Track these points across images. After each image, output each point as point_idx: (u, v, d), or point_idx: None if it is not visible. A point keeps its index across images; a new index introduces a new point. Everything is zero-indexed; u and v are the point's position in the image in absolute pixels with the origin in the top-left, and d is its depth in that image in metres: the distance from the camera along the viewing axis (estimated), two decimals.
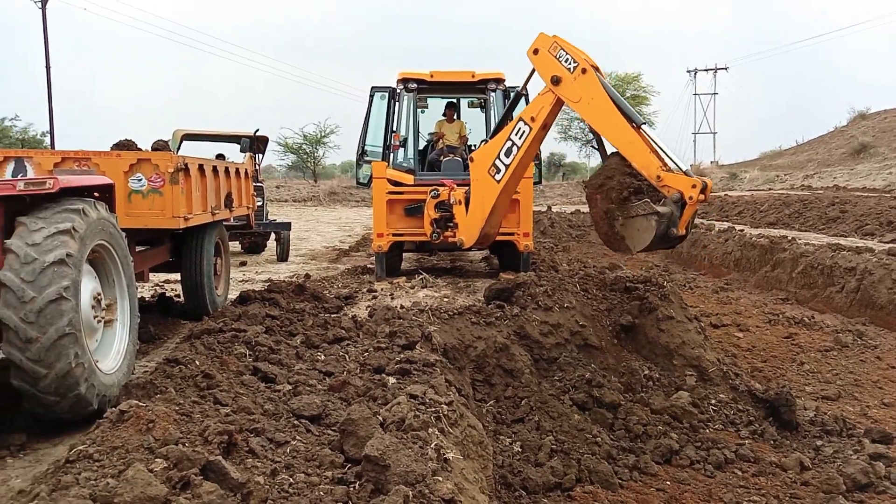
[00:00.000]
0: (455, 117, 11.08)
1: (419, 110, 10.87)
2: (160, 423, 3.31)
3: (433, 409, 4.12)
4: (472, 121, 11.40)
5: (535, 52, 7.47)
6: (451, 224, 8.97)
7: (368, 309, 7.07)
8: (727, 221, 20.15)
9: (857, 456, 5.87)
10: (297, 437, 3.81)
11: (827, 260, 11.78)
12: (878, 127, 41.04)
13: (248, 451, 3.42)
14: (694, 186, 6.15)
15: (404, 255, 10.83)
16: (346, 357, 5.44)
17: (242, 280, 10.91)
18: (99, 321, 4.86)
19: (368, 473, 3.22)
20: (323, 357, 5.44)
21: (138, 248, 6.82)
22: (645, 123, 6.71)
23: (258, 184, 13.33)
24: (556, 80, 7.20)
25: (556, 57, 7.21)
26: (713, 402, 6.59)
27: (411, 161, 10.54)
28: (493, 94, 10.13)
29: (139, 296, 5.90)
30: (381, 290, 8.45)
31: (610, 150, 7.08)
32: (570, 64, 7.09)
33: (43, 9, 33.50)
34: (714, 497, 5.36)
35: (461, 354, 6.39)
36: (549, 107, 7.44)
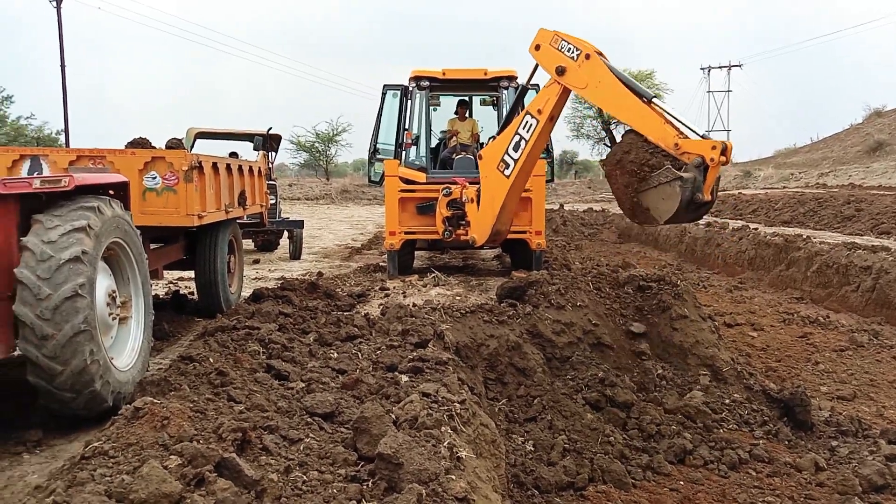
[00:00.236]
0: (467, 115, 11.07)
1: (431, 108, 10.88)
2: (175, 420, 3.33)
3: (446, 408, 4.12)
4: (485, 118, 11.40)
5: (537, 47, 7.45)
6: (463, 222, 8.96)
7: (381, 307, 7.08)
8: (741, 220, 20.02)
9: (872, 457, 5.81)
10: (311, 435, 3.82)
11: (842, 259, 11.68)
12: (895, 125, 40.65)
13: (262, 449, 3.43)
14: (714, 148, 6.05)
15: (416, 253, 10.84)
16: (359, 355, 5.44)
17: (255, 278, 10.95)
18: (114, 318, 4.89)
19: (382, 471, 3.22)
20: (336, 355, 5.44)
21: (153, 246, 6.86)
22: (655, 97, 6.65)
23: (271, 182, 13.36)
24: (560, 71, 7.17)
25: (558, 49, 7.19)
26: (727, 401, 6.55)
27: (423, 159, 10.55)
28: (505, 91, 10.11)
29: (153, 293, 5.93)
30: (394, 288, 8.46)
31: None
32: (573, 53, 7.06)
33: (58, 8, 33.73)
34: (728, 497, 5.33)
35: (473, 353, 6.38)
36: (556, 98, 7.41)
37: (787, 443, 6.18)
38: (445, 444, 3.50)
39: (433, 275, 9.06)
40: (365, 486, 3.24)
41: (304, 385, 4.60)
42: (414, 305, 7.01)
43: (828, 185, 30.53)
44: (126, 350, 5.05)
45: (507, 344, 6.50)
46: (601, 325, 6.98)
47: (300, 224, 14.06)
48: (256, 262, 13.27)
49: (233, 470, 3.01)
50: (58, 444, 4.28)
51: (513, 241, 9.65)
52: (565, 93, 7.38)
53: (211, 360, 4.87)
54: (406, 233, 9.67)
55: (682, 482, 5.51)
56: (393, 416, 3.81)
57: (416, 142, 10.61)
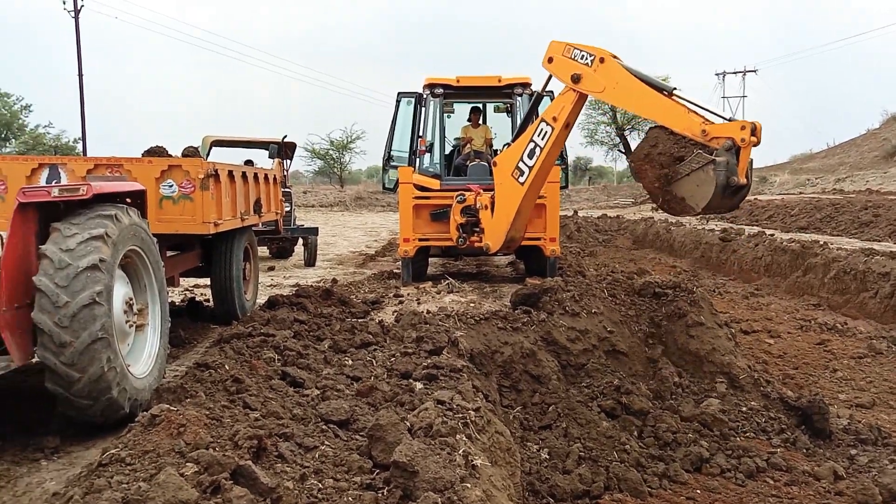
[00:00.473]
0: (480, 122, 11.09)
1: (445, 115, 10.90)
2: (191, 427, 3.34)
3: (461, 415, 4.11)
4: (499, 126, 11.41)
5: (550, 60, 7.45)
6: (478, 229, 8.97)
7: (395, 314, 7.09)
8: (757, 226, 19.85)
9: (893, 466, 5.74)
10: (326, 442, 3.82)
11: (860, 265, 11.55)
12: None
13: (278, 456, 3.44)
14: (743, 128, 5.99)
15: (430, 260, 10.85)
16: (374, 362, 5.45)
17: (271, 285, 10.99)
18: (131, 326, 4.93)
19: (397, 479, 3.22)
20: (350, 362, 5.45)
21: (169, 254, 6.91)
22: (676, 88, 6.62)
23: (286, 189, 13.44)
24: (576, 78, 7.17)
25: (571, 58, 7.20)
26: (744, 409, 6.49)
27: (437, 166, 10.57)
28: (519, 98, 10.12)
29: (170, 300, 5.97)
30: (408, 295, 8.47)
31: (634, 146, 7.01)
32: (586, 59, 7.06)
33: (76, 17, 34.15)
34: None
35: (488, 360, 6.37)
36: (571, 105, 7.41)
37: (805, 451, 6.11)
38: (460, 452, 3.49)
39: (447, 281, 9.07)
40: (380, 495, 3.24)
41: (319, 392, 4.61)
42: (428, 312, 7.01)
43: (844, 190, 30.22)
44: (143, 357, 5.08)
45: (521, 351, 6.48)
46: (616, 332, 6.95)
47: (315, 231, 14.11)
48: (271, 269, 13.33)
49: (249, 477, 3.01)
50: (75, 451, 4.31)
51: (527, 248, 9.65)
52: (581, 100, 7.38)
53: (227, 367, 4.90)
54: (420, 240, 9.68)
55: (698, 491, 5.46)
56: (408, 424, 3.80)
57: (430, 149, 10.64)
